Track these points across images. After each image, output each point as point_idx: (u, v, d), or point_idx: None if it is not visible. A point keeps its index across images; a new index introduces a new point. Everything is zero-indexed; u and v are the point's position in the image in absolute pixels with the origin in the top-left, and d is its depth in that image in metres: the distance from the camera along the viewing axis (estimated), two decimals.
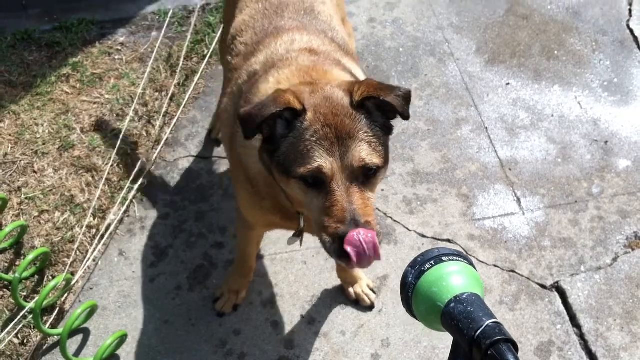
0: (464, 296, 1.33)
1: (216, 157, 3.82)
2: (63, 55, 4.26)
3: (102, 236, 3.41)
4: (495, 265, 3.39)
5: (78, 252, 3.38)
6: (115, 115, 3.94)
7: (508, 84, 4.20)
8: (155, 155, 3.77)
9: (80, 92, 4.06)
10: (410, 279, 1.41)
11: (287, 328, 3.19)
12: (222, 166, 3.78)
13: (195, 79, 4.12)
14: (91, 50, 4.31)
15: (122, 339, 3.09)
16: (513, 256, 3.42)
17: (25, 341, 3.14)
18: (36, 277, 3.32)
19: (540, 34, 4.48)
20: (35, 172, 3.67)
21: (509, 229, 3.53)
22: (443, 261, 1.39)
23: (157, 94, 4.06)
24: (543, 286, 3.32)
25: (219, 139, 3.85)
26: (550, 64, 4.31)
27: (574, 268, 3.38)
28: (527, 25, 4.54)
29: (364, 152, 2.05)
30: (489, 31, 4.50)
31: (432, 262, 1.40)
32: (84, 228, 3.42)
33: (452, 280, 1.36)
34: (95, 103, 4.00)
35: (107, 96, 4.03)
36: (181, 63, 4.16)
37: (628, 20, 4.57)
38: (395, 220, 3.54)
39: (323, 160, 2.02)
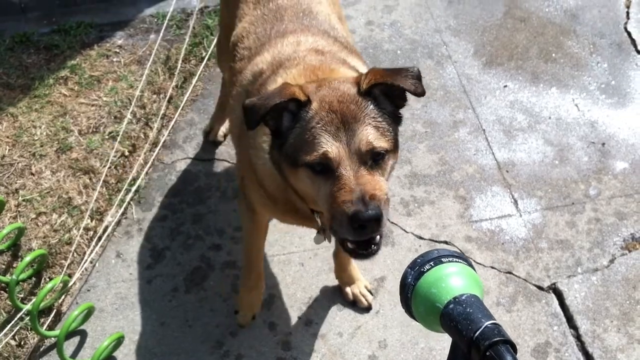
0: (463, 297, 1.33)
1: (214, 159, 3.82)
2: (61, 58, 4.27)
3: (100, 238, 3.41)
4: (493, 267, 3.39)
5: (75, 254, 3.39)
6: (113, 117, 3.94)
7: (505, 86, 4.21)
8: (152, 157, 3.77)
9: (78, 94, 4.06)
10: (409, 279, 1.40)
11: (284, 329, 3.19)
12: (220, 168, 3.78)
13: (193, 81, 4.13)
14: (89, 52, 4.32)
15: (119, 341, 3.09)
16: (510, 258, 3.43)
17: (22, 343, 3.14)
18: (33, 279, 3.32)
19: (538, 36, 4.49)
20: (32, 174, 3.68)
21: (506, 230, 3.54)
22: (442, 262, 1.39)
23: (155, 96, 4.07)
24: (540, 287, 3.32)
25: (217, 141, 3.86)
26: (548, 66, 4.32)
27: (570, 269, 3.38)
28: (524, 28, 4.55)
29: (371, 136, 2.04)
30: (486, 34, 4.51)
31: (431, 263, 1.40)
32: (81, 230, 3.43)
33: (451, 281, 1.36)
34: (93, 105, 4.00)
35: (105, 98, 4.04)
36: (179, 65, 4.17)
37: (625, 23, 4.58)
38: (392, 222, 3.54)
39: (329, 146, 2.02)
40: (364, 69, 2.64)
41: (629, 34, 4.51)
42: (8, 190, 3.61)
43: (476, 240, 3.49)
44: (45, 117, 3.93)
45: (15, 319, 3.08)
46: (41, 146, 3.79)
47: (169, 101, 4.04)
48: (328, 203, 2.06)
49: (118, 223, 3.54)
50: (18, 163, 3.72)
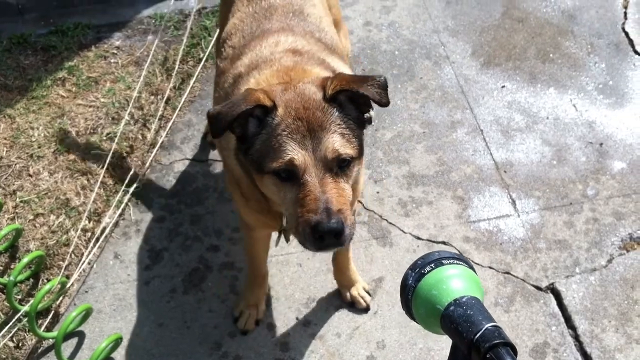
0: (464, 299, 1.33)
1: (212, 160, 3.82)
2: (59, 59, 4.27)
3: (97, 239, 3.41)
4: (491, 267, 3.39)
5: (73, 255, 3.38)
6: (110, 118, 3.94)
7: (503, 86, 4.21)
8: (150, 158, 3.77)
9: (76, 95, 4.06)
10: (410, 281, 1.40)
11: (282, 330, 3.19)
12: (218, 169, 3.78)
13: (191, 82, 4.13)
14: (87, 54, 4.31)
15: (117, 342, 3.09)
16: (508, 258, 3.43)
17: (20, 344, 3.13)
18: (31, 280, 3.32)
19: (536, 36, 4.49)
20: (30, 175, 3.67)
21: (504, 230, 3.53)
22: (443, 264, 1.39)
23: (152, 97, 4.06)
24: (538, 288, 3.32)
25: (214, 143, 3.85)
26: (546, 66, 4.32)
27: (569, 270, 3.38)
28: (522, 28, 4.55)
29: (337, 143, 2.06)
30: (484, 34, 4.51)
31: (432, 265, 1.40)
32: (79, 231, 3.42)
33: (452, 283, 1.36)
34: (90, 106, 4.00)
35: (102, 100, 4.03)
36: (177, 66, 4.17)
37: (623, 23, 4.58)
38: (390, 223, 3.54)
39: (295, 153, 2.03)
40: (344, 69, 2.63)
41: (626, 34, 4.51)
42: (6, 191, 3.60)
43: (474, 241, 3.49)
44: (43, 118, 3.93)
45: (13, 320, 3.08)
46: (39, 147, 3.78)
47: (166, 102, 4.03)
48: (293, 209, 2.07)
49: (116, 224, 3.53)
50: (16, 164, 3.72)
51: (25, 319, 3.10)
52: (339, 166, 2.08)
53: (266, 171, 2.08)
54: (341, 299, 3.27)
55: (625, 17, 4.62)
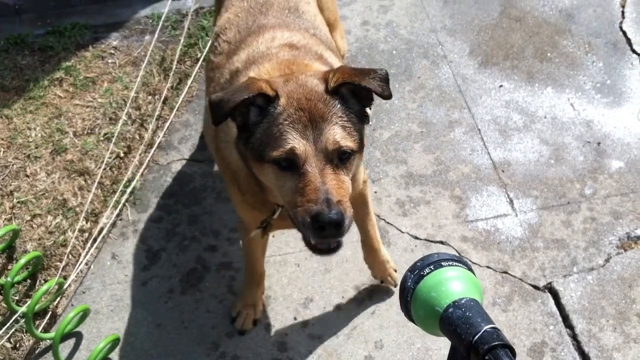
0: (463, 301, 1.33)
1: (209, 160, 3.81)
2: (56, 60, 4.26)
3: (95, 240, 3.41)
4: (488, 267, 3.39)
5: (70, 256, 3.38)
6: (108, 118, 3.94)
7: (501, 86, 4.21)
8: (148, 158, 3.77)
9: (73, 96, 4.06)
10: (409, 283, 1.41)
11: (280, 330, 3.18)
12: (215, 169, 3.77)
13: (189, 82, 4.13)
14: (84, 54, 4.31)
15: (115, 343, 3.08)
16: (506, 257, 3.42)
17: (17, 345, 3.13)
18: (28, 281, 3.32)
19: (534, 36, 4.49)
20: (27, 176, 3.67)
21: (501, 230, 3.53)
22: (442, 266, 1.39)
23: (150, 97, 4.06)
24: (536, 287, 3.32)
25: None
26: (543, 66, 4.32)
27: (566, 269, 3.38)
28: (520, 28, 4.55)
29: (338, 135, 2.06)
30: (482, 33, 4.51)
31: (431, 266, 1.40)
32: (76, 232, 3.42)
33: (450, 285, 1.36)
34: (88, 107, 4.00)
35: (100, 100, 4.03)
36: (174, 66, 4.16)
37: (621, 22, 4.58)
38: (388, 222, 3.54)
39: (296, 142, 2.04)
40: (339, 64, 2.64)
41: (624, 33, 4.51)
42: (3, 192, 3.60)
43: (472, 240, 3.49)
44: (40, 118, 3.92)
45: (11, 321, 3.08)
46: (36, 148, 3.78)
47: (164, 102, 4.03)
48: (292, 199, 2.07)
49: (113, 225, 3.53)
50: (13, 165, 3.71)
51: (23, 320, 3.10)
52: (339, 158, 2.09)
53: (266, 160, 2.08)
54: (373, 277, 3.30)
55: (623, 16, 4.61)
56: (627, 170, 3.78)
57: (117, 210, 3.54)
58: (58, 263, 3.34)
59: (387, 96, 2.13)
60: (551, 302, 3.28)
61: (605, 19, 4.60)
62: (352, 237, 3.29)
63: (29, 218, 3.50)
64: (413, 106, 4.07)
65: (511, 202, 3.64)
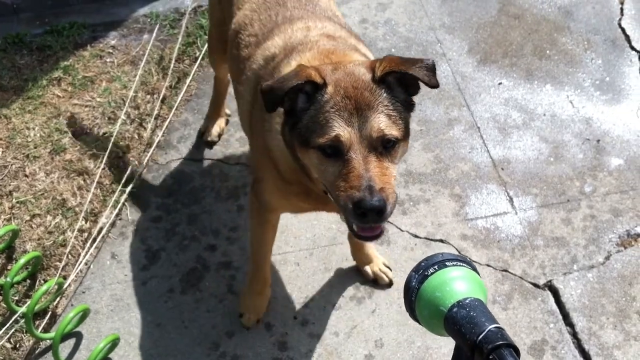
0: (467, 301, 1.33)
1: (208, 159, 3.81)
2: (54, 59, 4.25)
3: (94, 239, 3.40)
4: (488, 265, 3.39)
5: (70, 256, 3.38)
6: (106, 118, 3.93)
7: (500, 83, 4.21)
8: (147, 158, 3.76)
9: (72, 95, 4.05)
10: (413, 283, 1.41)
11: (281, 330, 3.18)
12: (215, 168, 3.77)
13: (187, 81, 4.12)
14: (82, 53, 4.30)
15: (115, 343, 3.08)
16: (506, 255, 3.42)
17: (17, 346, 3.13)
18: (28, 281, 3.31)
19: (532, 33, 4.49)
20: (26, 176, 3.66)
21: (501, 228, 3.53)
22: (447, 266, 1.40)
23: (148, 96, 4.05)
24: (536, 285, 3.32)
25: (212, 141, 3.84)
26: (542, 63, 4.31)
27: (566, 267, 3.38)
28: (519, 25, 4.54)
29: (382, 124, 2.09)
30: (480, 31, 4.51)
31: (435, 267, 1.40)
32: (75, 231, 3.41)
33: (455, 285, 1.37)
34: (86, 106, 3.99)
35: (98, 99, 4.02)
36: (172, 65, 4.16)
37: (620, 19, 4.58)
38: (387, 221, 3.52)
39: (341, 130, 2.07)
40: (372, 57, 2.67)
41: (623, 30, 4.51)
42: (2, 192, 3.59)
43: (472, 238, 3.49)
44: (39, 118, 3.91)
45: (10, 321, 3.07)
46: (35, 148, 3.77)
47: (162, 101, 4.02)
48: (335, 184, 2.11)
49: (113, 224, 3.52)
50: (12, 165, 3.70)
51: (23, 320, 3.09)
52: (384, 146, 2.11)
53: (311, 145, 2.12)
54: (364, 277, 3.31)
55: (622, 13, 4.61)
56: (626, 167, 3.78)
57: (117, 210, 3.54)
58: (57, 263, 3.34)
59: (434, 85, 2.16)
60: (551, 300, 3.28)
61: (604, 16, 4.59)
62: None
63: (28, 218, 3.49)
64: None
65: (511, 200, 3.64)
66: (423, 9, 4.63)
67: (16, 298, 3.24)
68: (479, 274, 1.40)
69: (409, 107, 2.23)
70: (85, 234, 3.45)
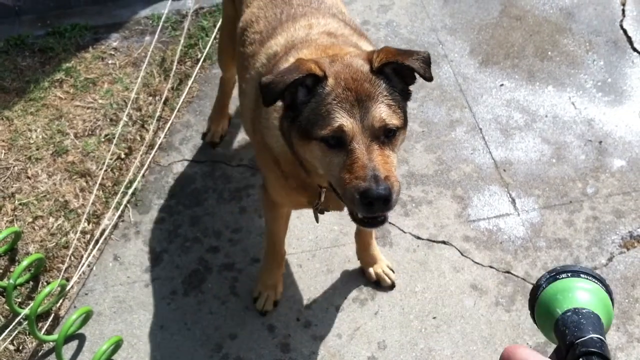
0: (584, 311, 1.31)
1: (210, 161, 3.81)
2: (56, 61, 4.25)
3: (97, 241, 3.40)
4: (491, 266, 3.39)
5: (72, 258, 3.38)
6: (108, 120, 3.93)
7: (502, 85, 4.21)
8: (149, 159, 3.76)
9: (74, 97, 4.05)
10: (542, 281, 1.41)
11: (283, 332, 3.18)
12: (217, 170, 3.77)
13: (189, 83, 4.12)
14: (84, 55, 4.30)
15: (118, 345, 3.08)
16: (508, 257, 3.42)
17: (20, 348, 3.13)
18: (31, 283, 3.31)
19: (534, 34, 4.49)
20: (29, 177, 3.66)
21: (504, 229, 3.53)
22: (580, 277, 1.39)
23: (150, 98, 4.06)
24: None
25: (214, 142, 3.85)
26: (544, 64, 4.31)
27: None
28: (520, 26, 4.54)
29: (384, 113, 2.13)
30: (482, 32, 4.51)
31: (568, 273, 1.39)
32: (78, 233, 3.41)
33: (578, 293, 1.35)
34: (88, 108, 3.99)
35: (100, 101, 4.02)
36: (174, 67, 4.15)
37: (621, 21, 4.58)
38: (390, 222, 3.53)
39: (344, 120, 2.10)
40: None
41: (624, 31, 4.51)
42: (4, 194, 3.59)
43: (474, 240, 3.49)
44: (41, 120, 3.92)
45: (14, 323, 3.07)
46: (37, 149, 3.77)
47: (164, 103, 4.02)
48: (339, 176, 2.13)
49: (115, 226, 3.52)
50: (14, 167, 3.71)
51: (26, 322, 3.09)
52: (386, 135, 2.15)
53: (314, 137, 2.15)
54: (366, 278, 3.31)
55: (624, 15, 4.61)
56: (629, 168, 3.78)
57: (119, 212, 3.54)
58: (60, 265, 3.34)
59: (428, 78, 2.21)
60: None
61: (606, 17, 4.59)
62: (353, 238, 3.29)
63: (30, 220, 3.49)
64: (414, 106, 4.06)
65: (513, 201, 3.64)
66: (425, 10, 4.63)
67: (19, 300, 3.24)
68: (613, 300, 1.39)
69: (406, 96, 2.28)
70: (88, 236, 3.46)
